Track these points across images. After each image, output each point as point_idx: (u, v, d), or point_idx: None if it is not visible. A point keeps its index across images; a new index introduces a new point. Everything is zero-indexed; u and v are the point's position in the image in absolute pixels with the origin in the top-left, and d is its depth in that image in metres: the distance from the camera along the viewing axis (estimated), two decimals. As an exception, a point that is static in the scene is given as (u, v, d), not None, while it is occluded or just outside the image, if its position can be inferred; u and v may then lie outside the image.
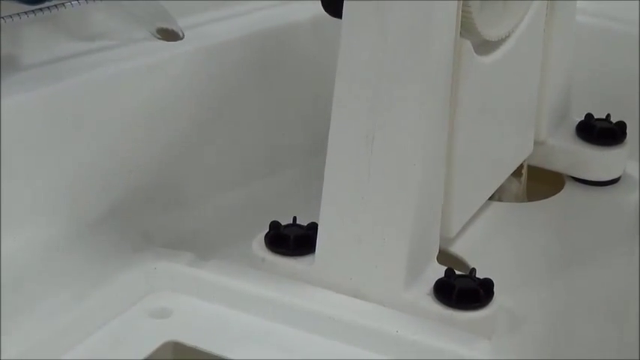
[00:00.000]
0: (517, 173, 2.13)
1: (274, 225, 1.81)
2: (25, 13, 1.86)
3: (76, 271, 1.80)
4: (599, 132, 2.17)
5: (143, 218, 1.96)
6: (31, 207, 1.85)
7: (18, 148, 1.83)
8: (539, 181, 2.20)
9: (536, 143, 2.14)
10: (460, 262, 1.87)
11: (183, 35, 2.04)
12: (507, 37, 1.89)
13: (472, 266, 1.76)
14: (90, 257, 1.84)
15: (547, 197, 2.15)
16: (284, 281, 1.75)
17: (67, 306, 1.70)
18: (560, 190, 2.17)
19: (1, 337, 1.61)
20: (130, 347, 1.65)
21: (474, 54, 1.77)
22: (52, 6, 1.88)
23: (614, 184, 2.18)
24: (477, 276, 1.72)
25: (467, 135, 1.81)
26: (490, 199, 2.04)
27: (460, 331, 1.65)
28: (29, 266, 1.79)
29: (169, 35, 2.04)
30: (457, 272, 1.73)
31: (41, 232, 1.85)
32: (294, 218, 1.83)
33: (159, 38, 2.04)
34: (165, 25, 2.04)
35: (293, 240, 1.79)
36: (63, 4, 1.90)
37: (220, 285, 1.75)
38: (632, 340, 1.73)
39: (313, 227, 1.78)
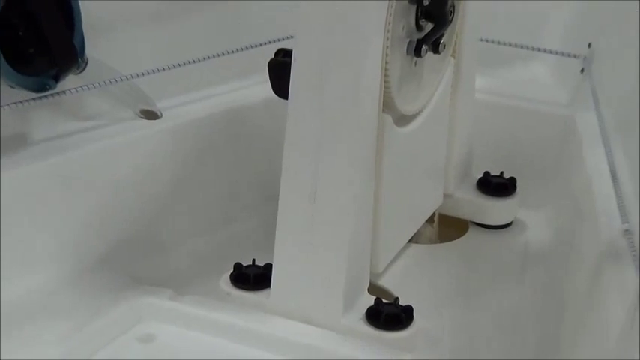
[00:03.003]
0: (430, 220, 2.14)
1: (237, 266, 1.83)
2: (33, 99, 1.88)
3: (76, 305, 1.82)
4: (495, 186, 2.18)
5: (130, 262, 1.97)
6: (39, 254, 1.87)
7: (28, 207, 1.85)
8: (448, 226, 2.20)
9: (445, 196, 2.15)
10: (386, 292, 1.87)
11: (162, 115, 2.07)
12: (421, 111, 1.91)
13: (396, 296, 1.78)
14: (87, 294, 1.85)
15: (455, 239, 2.15)
16: (246, 311, 1.77)
17: (69, 334, 1.71)
18: (465, 234, 2.17)
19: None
20: (121, 367, 1.68)
21: (395, 126, 1.79)
22: (55, 93, 1.91)
23: (508, 228, 2.19)
24: (400, 303, 1.74)
25: (390, 190, 1.83)
26: (409, 241, 2.04)
27: (387, 348, 1.68)
28: (37, 301, 1.80)
29: (150, 115, 2.06)
30: (384, 300, 1.75)
31: (47, 274, 1.86)
32: (253, 260, 1.84)
33: (142, 117, 2.06)
34: (146, 107, 2.07)
35: (253, 277, 1.81)
36: (63, 91, 1.93)
37: (195, 315, 1.76)
38: (521, 351, 1.77)
39: (269, 267, 1.80)
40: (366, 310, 1.74)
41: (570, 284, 1.85)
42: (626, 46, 2.14)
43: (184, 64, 2.10)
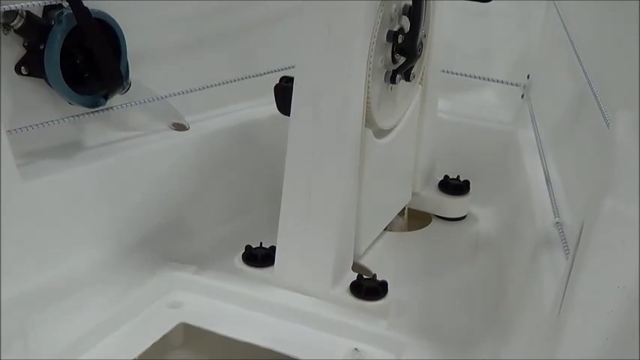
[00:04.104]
0: (401, 213, 2.14)
1: (248, 247, 1.83)
2: (87, 113, 1.88)
3: (120, 277, 1.81)
4: (453, 187, 2.18)
5: (163, 245, 1.96)
6: (92, 237, 1.86)
7: (82, 199, 1.84)
8: (415, 218, 2.20)
9: (413, 194, 2.15)
10: (366, 270, 1.87)
11: (189, 127, 2.06)
12: (395, 126, 1.91)
13: (374, 272, 1.78)
14: (129, 269, 1.84)
15: (421, 229, 2.15)
16: (255, 283, 1.77)
17: (115, 301, 1.72)
18: (429, 224, 2.17)
19: (68, 319, 1.63)
20: (154, 327, 1.66)
21: (374, 138, 1.80)
22: (104, 109, 1.91)
23: (463, 220, 2.18)
24: (377, 279, 1.75)
25: (370, 189, 1.83)
26: (384, 230, 2.04)
27: (367, 314, 1.68)
28: (89, 274, 1.80)
29: (180, 127, 2.05)
30: (364, 276, 1.76)
31: (96, 253, 1.86)
32: (261, 243, 1.84)
33: (173, 129, 2.05)
34: (177, 120, 2.05)
35: (260, 257, 1.81)
36: (111, 107, 1.92)
37: (214, 286, 1.76)
38: (473, 317, 1.77)
39: (273, 249, 1.80)
40: (350, 283, 1.74)
41: (513, 265, 1.85)
42: (557, 76, 2.14)
43: (208, 86, 2.09)
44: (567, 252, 1.51)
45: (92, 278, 1.79)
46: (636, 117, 1.17)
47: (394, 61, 1.79)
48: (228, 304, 1.72)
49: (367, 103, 1.71)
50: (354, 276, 1.75)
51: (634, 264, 1.01)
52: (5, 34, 1.73)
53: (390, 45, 1.76)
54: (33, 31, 1.76)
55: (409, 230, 2.16)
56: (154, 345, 1.61)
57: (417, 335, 1.65)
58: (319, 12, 1.63)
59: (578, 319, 1.06)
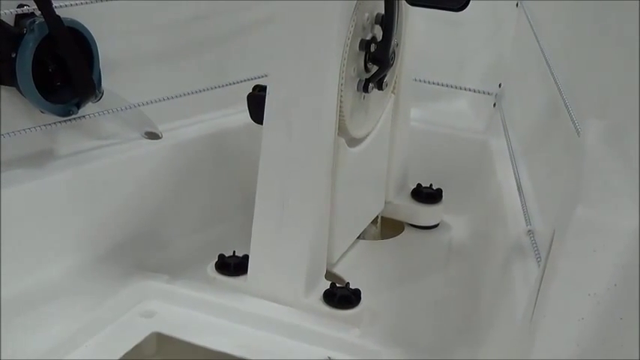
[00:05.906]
0: (374, 221, 2.14)
1: (220, 256, 1.82)
2: (59, 122, 1.86)
3: (92, 287, 1.79)
4: (426, 195, 2.18)
5: (136, 254, 1.94)
6: (64, 246, 1.84)
7: (53, 209, 1.83)
8: (388, 226, 2.19)
9: (386, 202, 2.14)
10: (339, 278, 1.87)
11: (162, 135, 2.05)
12: (368, 135, 1.91)
13: (347, 281, 1.78)
14: (101, 278, 1.82)
15: (394, 237, 2.15)
16: (228, 292, 1.76)
17: (88, 310, 1.70)
18: (401, 232, 2.16)
19: (40, 329, 1.62)
20: (127, 336, 1.65)
21: (347, 147, 1.79)
22: (77, 117, 1.89)
23: (435, 228, 2.18)
24: (350, 287, 1.74)
25: (343, 197, 1.82)
26: (358, 238, 2.04)
27: (340, 323, 1.68)
28: (60, 284, 1.78)
29: (153, 136, 2.04)
30: (337, 285, 1.75)
31: (71, 261, 1.84)
32: (234, 252, 1.82)
33: (146, 138, 2.04)
34: (150, 129, 2.04)
35: (233, 266, 1.79)
36: (84, 116, 1.91)
37: (187, 295, 1.75)
38: (446, 325, 1.77)
39: (246, 258, 1.79)
40: (323, 292, 1.73)
41: (485, 273, 1.85)
42: (528, 85, 2.15)
43: (181, 95, 2.08)
44: (539, 260, 1.52)
45: (65, 287, 1.77)
46: (606, 125, 1.18)
47: (367, 69, 1.79)
48: (201, 313, 1.70)
49: (340, 111, 1.71)
50: (327, 284, 1.75)
51: (604, 272, 1.01)
52: (-24, 43, 1.72)
53: (363, 54, 1.76)
54: (4, 39, 1.74)
55: (382, 238, 2.15)
56: (127, 354, 1.59)
57: (390, 343, 1.64)
58: (292, 21, 1.63)
59: (550, 325, 1.06)
